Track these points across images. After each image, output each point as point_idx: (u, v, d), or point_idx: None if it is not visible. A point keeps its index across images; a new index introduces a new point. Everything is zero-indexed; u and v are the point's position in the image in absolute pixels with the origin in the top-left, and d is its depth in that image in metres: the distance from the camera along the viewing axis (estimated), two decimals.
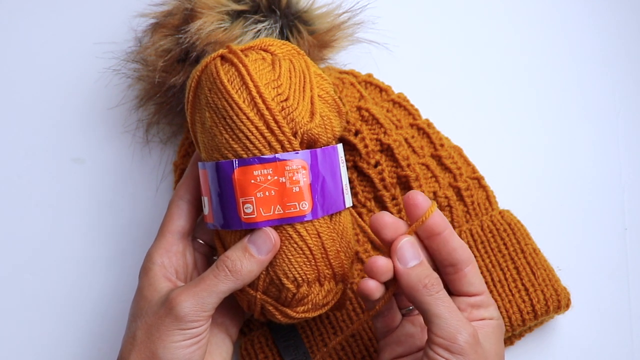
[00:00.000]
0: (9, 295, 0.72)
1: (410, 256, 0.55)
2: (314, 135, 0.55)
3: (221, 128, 0.55)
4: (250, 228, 0.55)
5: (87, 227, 0.73)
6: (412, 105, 0.71)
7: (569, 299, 0.66)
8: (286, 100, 0.55)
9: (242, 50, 0.56)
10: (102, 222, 0.73)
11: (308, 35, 0.66)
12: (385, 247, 0.56)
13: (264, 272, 0.56)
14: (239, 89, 0.54)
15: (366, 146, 0.67)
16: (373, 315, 0.58)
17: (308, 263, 0.55)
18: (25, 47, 0.76)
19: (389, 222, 0.56)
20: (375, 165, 0.67)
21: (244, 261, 0.54)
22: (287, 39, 0.66)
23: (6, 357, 0.71)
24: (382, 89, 0.71)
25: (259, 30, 0.65)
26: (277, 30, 0.66)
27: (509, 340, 0.68)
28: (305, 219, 0.55)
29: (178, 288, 0.55)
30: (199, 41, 0.64)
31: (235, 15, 0.66)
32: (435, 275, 0.54)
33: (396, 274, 0.55)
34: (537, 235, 0.68)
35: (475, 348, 0.52)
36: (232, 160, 0.54)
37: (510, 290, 0.65)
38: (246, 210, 0.54)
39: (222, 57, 0.56)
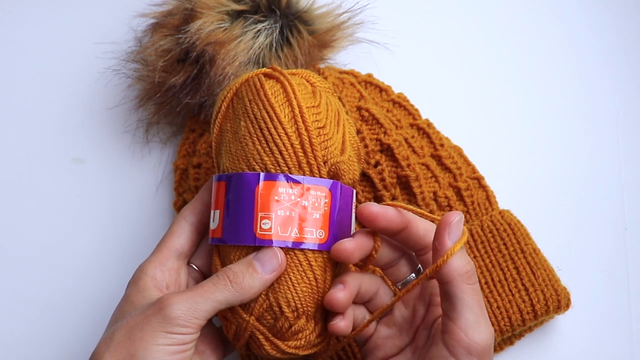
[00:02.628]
0: (9, 295, 0.72)
1: (457, 235, 0.52)
2: (341, 170, 0.55)
3: (255, 139, 0.54)
4: (261, 245, 0.53)
5: (87, 227, 0.73)
6: (412, 105, 0.71)
7: (569, 299, 0.66)
8: (323, 127, 0.55)
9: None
10: (102, 222, 0.73)
11: (308, 35, 0.66)
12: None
13: (262, 297, 0.54)
14: (282, 104, 0.54)
15: (366, 146, 0.67)
16: (352, 337, 0.57)
17: (312, 294, 0.54)
18: (26, 47, 0.76)
19: (378, 211, 0.54)
20: (375, 165, 0.67)
21: (247, 275, 0.53)
22: (287, 39, 0.66)
23: (6, 357, 0.71)
24: (382, 89, 0.71)
25: (258, 30, 0.65)
26: (277, 30, 0.66)
27: (509, 341, 0.68)
28: (319, 248, 0.54)
29: (171, 292, 0.53)
30: (199, 41, 0.64)
31: (235, 15, 0.66)
32: (473, 264, 0.52)
33: (443, 250, 0.51)
34: (537, 235, 0.68)
35: (489, 352, 0.51)
36: (259, 173, 0.53)
37: (510, 290, 0.65)
38: (263, 227, 0.53)
39: (266, 74, 0.56)
